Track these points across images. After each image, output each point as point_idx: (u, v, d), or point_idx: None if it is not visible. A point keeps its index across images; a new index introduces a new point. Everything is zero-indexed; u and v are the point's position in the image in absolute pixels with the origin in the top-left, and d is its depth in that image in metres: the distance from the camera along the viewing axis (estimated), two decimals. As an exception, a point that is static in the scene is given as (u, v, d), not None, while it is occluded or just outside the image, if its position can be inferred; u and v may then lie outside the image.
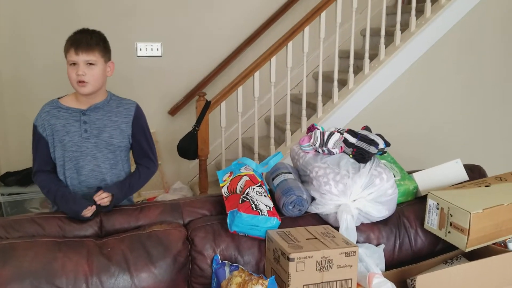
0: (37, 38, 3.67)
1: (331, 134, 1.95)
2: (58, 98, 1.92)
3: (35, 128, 1.88)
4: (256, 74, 3.23)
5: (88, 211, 1.72)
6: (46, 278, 1.51)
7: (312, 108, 3.71)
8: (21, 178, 3.56)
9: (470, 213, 1.63)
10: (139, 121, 1.93)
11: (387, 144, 1.95)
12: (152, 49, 3.93)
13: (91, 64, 1.79)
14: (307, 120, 3.48)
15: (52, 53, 3.69)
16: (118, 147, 1.90)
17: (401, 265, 1.82)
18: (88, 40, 1.79)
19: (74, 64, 1.78)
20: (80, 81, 1.78)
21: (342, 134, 1.95)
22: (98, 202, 1.74)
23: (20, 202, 3.49)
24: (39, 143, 1.87)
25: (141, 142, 1.95)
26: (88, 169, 1.87)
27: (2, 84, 3.65)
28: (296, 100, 4.01)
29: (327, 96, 3.64)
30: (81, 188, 1.88)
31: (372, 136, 1.93)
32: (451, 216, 1.71)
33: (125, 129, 1.90)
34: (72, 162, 1.86)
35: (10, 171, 3.68)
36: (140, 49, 3.89)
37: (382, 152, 1.97)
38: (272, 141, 3.47)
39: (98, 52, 1.80)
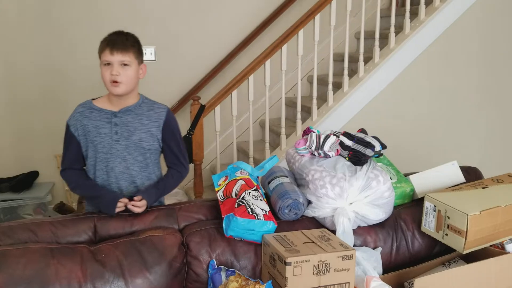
0: (26, 46, 3.65)
1: (327, 137, 1.94)
2: (93, 99, 1.93)
3: (68, 127, 1.90)
4: (251, 77, 3.22)
5: (121, 205, 1.77)
6: (39, 285, 1.48)
7: (306, 112, 3.70)
8: (15, 184, 3.54)
9: (467, 215, 1.63)
10: (169, 126, 1.94)
11: (384, 146, 1.94)
12: (145, 53, 3.90)
13: (125, 65, 1.79)
14: (302, 124, 3.47)
15: (42, 61, 3.69)
16: (148, 150, 1.91)
17: (398, 268, 1.81)
18: (123, 41, 1.80)
19: (108, 64, 1.79)
20: (113, 81, 1.79)
21: (338, 137, 1.94)
22: (129, 207, 1.78)
23: (13, 208, 3.46)
24: (71, 142, 1.89)
25: (171, 147, 1.96)
26: (118, 171, 1.88)
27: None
28: (290, 104, 4.01)
29: (322, 99, 3.64)
30: (111, 189, 1.89)
31: (369, 138, 1.92)
32: (449, 218, 1.70)
33: (155, 133, 1.90)
34: (103, 163, 1.88)
35: (3, 177, 3.64)
36: (145, 54, 3.87)
37: (379, 155, 1.97)
38: (267, 144, 3.46)
39: (132, 53, 1.81)
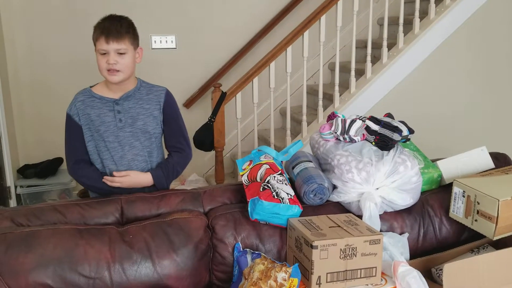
0: (52, 37, 3.69)
1: (352, 122, 1.91)
2: (91, 87, 1.90)
3: (69, 117, 1.86)
4: (272, 64, 3.20)
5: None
6: (69, 265, 1.51)
7: (328, 99, 3.67)
8: (40, 170, 3.60)
9: (498, 201, 1.59)
10: (169, 107, 1.92)
11: (411, 131, 1.91)
12: (166, 41, 3.92)
13: (121, 53, 1.76)
14: (323, 111, 3.45)
15: (67, 52, 3.73)
16: (153, 134, 1.89)
17: (425, 254, 1.78)
18: (118, 28, 1.75)
19: (104, 53, 1.76)
20: (110, 70, 1.76)
21: (364, 121, 1.92)
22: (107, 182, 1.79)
23: (39, 194, 3.53)
24: (77, 132, 1.84)
25: (172, 127, 1.93)
26: (129, 159, 1.86)
27: (21, 84, 3.68)
28: (311, 91, 3.98)
29: (343, 86, 3.60)
30: None
31: (396, 123, 1.89)
32: (478, 203, 1.67)
33: (157, 116, 1.89)
34: (110, 153, 1.85)
35: (29, 163, 3.71)
36: (155, 42, 3.88)
37: (406, 140, 1.94)
38: (288, 132, 3.45)
39: (128, 40, 1.78)
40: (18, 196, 3.52)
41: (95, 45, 1.79)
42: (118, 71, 1.76)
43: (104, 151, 1.85)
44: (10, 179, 3.44)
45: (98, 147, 1.85)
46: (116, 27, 1.75)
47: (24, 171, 3.61)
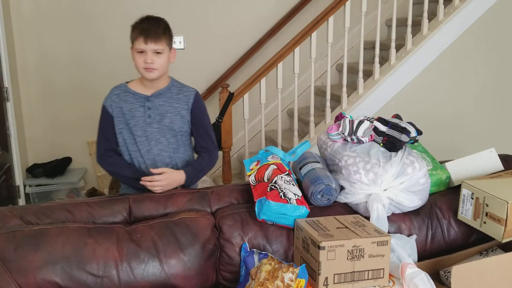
0: (61, 39, 3.72)
1: (360, 123, 1.91)
2: (127, 82, 1.99)
3: (104, 108, 1.96)
4: (280, 65, 3.21)
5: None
6: (77, 263, 1.51)
7: (335, 100, 3.66)
8: (48, 169, 3.63)
9: (507, 203, 1.58)
10: (197, 109, 1.98)
11: (419, 132, 1.90)
12: (174, 42, 3.91)
13: (158, 52, 1.85)
14: (331, 112, 3.44)
15: (75, 54, 3.76)
16: (179, 132, 1.97)
17: (433, 256, 1.77)
18: (156, 30, 1.84)
19: (142, 51, 1.85)
20: (147, 68, 1.85)
21: (372, 122, 1.91)
22: (146, 184, 1.82)
23: (47, 193, 3.56)
24: (108, 123, 1.94)
25: (199, 128, 2.01)
26: (154, 153, 1.95)
27: (30, 84, 3.72)
28: (319, 92, 3.97)
29: (351, 87, 3.59)
30: (147, 172, 1.92)
31: (404, 124, 1.88)
32: (487, 206, 1.66)
33: (185, 115, 1.96)
34: (137, 146, 1.94)
35: (38, 163, 3.74)
36: (163, 42, 3.89)
37: (414, 141, 1.93)
38: (296, 133, 3.45)
39: (164, 41, 1.87)
40: (27, 195, 3.55)
41: (132, 43, 1.89)
42: (154, 69, 1.86)
43: (132, 144, 1.94)
44: (19, 178, 3.47)
45: (127, 139, 1.94)
46: (154, 28, 1.85)
47: (33, 170, 3.64)
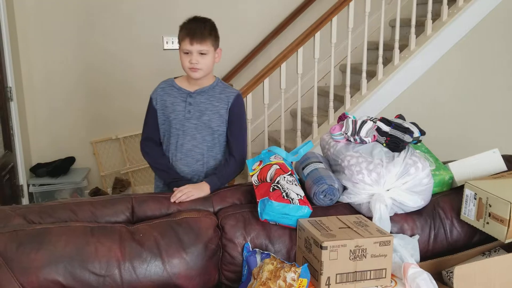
0: (65, 40, 3.74)
1: (363, 123, 1.90)
2: (174, 78, 2.06)
3: (151, 100, 2.04)
4: (283, 65, 3.20)
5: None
6: (79, 262, 1.52)
7: (338, 101, 3.66)
8: (52, 169, 3.64)
9: (510, 203, 1.57)
10: (235, 110, 2.01)
11: (422, 132, 1.90)
12: (173, 42, 3.92)
13: (203, 53, 1.90)
14: (334, 113, 3.44)
15: (79, 54, 3.77)
16: (216, 131, 2.01)
17: (436, 257, 1.77)
18: (202, 31, 1.89)
19: (188, 52, 1.90)
20: (192, 68, 1.90)
21: (375, 122, 1.91)
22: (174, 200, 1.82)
23: (50, 192, 3.56)
24: (152, 114, 2.03)
25: (233, 129, 2.03)
26: (187, 148, 2.00)
27: (34, 84, 3.73)
28: (322, 93, 3.97)
29: (354, 88, 3.59)
30: (177, 165, 2.02)
31: (407, 124, 1.88)
32: (490, 206, 1.65)
33: (223, 115, 2.00)
34: (175, 139, 2.00)
35: (41, 162, 3.75)
36: (167, 42, 3.90)
37: (417, 141, 1.92)
38: (299, 133, 3.44)
39: (210, 42, 1.91)
40: (30, 195, 3.56)
41: (179, 44, 1.94)
42: (199, 69, 1.91)
43: (169, 136, 2.01)
44: (22, 178, 3.48)
45: (166, 131, 2.02)
46: (200, 30, 1.89)
47: (37, 170, 3.66)
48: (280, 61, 3.19)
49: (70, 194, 3.63)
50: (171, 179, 1.99)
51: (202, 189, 1.88)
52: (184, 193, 1.82)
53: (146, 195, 1.83)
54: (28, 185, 3.55)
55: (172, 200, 1.80)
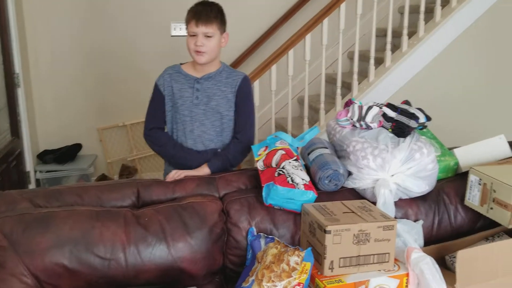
0: (72, 26, 3.74)
1: (369, 108, 1.90)
2: (181, 64, 2.05)
3: (156, 86, 2.03)
4: (291, 52, 3.18)
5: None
6: (85, 246, 1.53)
7: (346, 88, 3.64)
8: (59, 156, 3.66)
9: (515, 189, 1.56)
10: (242, 92, 2.01)
11: (428, 118, 1.89)
12: (180, 28, 3.91)
13: (208, 36, 1.89)
14: (341, 99, 3.42)
15: (85, 40, 3.77)
16: (225, 116, 2.01)
17: (439, 242, 1.76)
18: (208, 13, 1.89)
19: (194, 35, 1.90)
20: (197, 51, 1.90)
21: (381, 108, 1.90)
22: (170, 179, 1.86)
23: (57, 179, 3.59)
24: (159, 100, 2.02)
25: (240, 113, 2.03)
26: (196, 134, 2.01)
27: (41, 71, 3.75)
28: (329, 80, 3.95)
29: (362, 75, 3.56)
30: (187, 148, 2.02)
31: (413, 110, 1.87)
32: (494, 192, 1.65)
33: (231, 99, 2.00)
34: (182, 125, 2.01)
35: (48, 149, 3.78)
36: (174, 29, 3.88)
37: (423, 127, 1.91)
38: (306, 120, 3.43)
39: (215, 24, 1.91)
40: (37, 181, 3.60)
41: (186, 27, 1.94)
42: (204, 52, 1.90)
43: (177, 123, 2.02)
44: (29, 164, 3.52)
45: (174, 118, 2.02)
46: (206, 12, 1.89)
47: (44, 157, 3.69)
48: (287, 47, 3.17)
49: (76, 180, 3.66)
50: (197, 161, 1.98)
51: (200, 170, 1.93)
52: (179, 174, 1.87)
53: (152, 180, 1.84)
54: (35, 172, 3.58)
55: (167, 180, 1.84)
